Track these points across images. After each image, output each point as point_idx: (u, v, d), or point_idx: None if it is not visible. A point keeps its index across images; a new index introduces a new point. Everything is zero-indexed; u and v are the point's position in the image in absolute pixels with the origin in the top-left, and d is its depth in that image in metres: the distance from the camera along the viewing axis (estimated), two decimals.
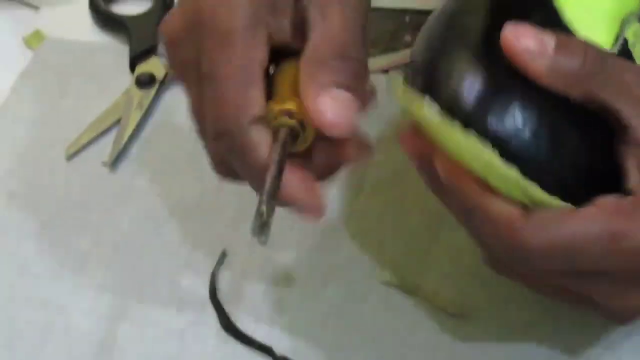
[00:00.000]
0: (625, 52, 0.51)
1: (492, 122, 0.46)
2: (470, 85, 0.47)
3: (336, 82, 0.48)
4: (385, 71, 0.70)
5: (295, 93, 0.50)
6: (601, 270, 0.46)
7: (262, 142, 0.49)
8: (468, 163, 0.46)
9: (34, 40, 0.72)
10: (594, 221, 0.45)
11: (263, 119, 0.49)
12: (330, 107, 0.48)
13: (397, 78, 0.50)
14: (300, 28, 0.50)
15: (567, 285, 0.48)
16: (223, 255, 0.59)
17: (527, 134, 0.47)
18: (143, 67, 0.69)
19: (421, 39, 0.51)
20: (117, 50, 0.71)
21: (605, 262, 0.46)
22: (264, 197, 0.48)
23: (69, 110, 0.67)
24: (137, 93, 0.67)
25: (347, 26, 0.50)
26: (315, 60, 0.49)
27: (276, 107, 0.49)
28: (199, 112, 0.51)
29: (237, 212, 0.61)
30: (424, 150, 0.48)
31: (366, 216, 0.60)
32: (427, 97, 0.47)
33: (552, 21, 0.50)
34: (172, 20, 0.52)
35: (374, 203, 0.61)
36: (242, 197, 0.61)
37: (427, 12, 0.74)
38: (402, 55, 0.71)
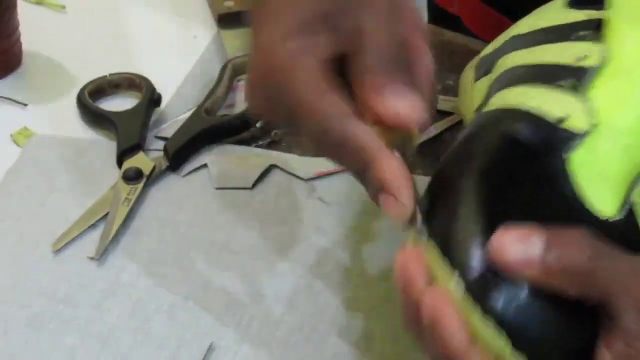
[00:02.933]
0: (630, 215, 0.51)
1: (505, 309, 0.46)
2: (485, 275, 0.47)
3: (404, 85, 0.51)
4: None
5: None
6: None
7: (362, 129, 0.50)
8: (474, 337, 0.46)
9: (22, 136, 0.73)
10: None
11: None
12: (405, 108, 0.50)
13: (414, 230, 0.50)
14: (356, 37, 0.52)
15: None
16: (210, 350, 0.59)
17: (535, 325, 0.46)
18: (130, 162, 0.69)
19: (433, 205, 0.50)
20: (104, 146, 0.71)
21: None
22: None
23: (57, 206, 0.67)
24: (125, 188, 0.68)
25: (410, 30, 0.53)
26: (383, 69, 0.51)
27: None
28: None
29: (224, 307, 0.61)
30: (414, 279, 0.48)
31: (352, 311, 0.60)
32: (456, 275, 0.47)
33: (563, 189, 0.50)
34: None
35: (360, 299, 0.61)
36: (229, 293, 0.61)
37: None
38: None
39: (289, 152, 0.70)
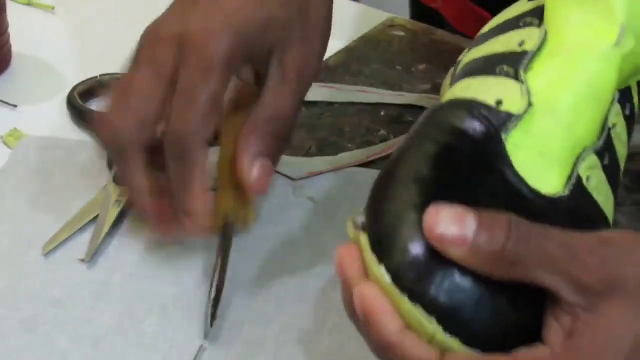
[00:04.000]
0: (578, 190, 0.52)
1: (434, 294, 0.47)
2: (413, 259, 0.47)
3: (265, 153, 0.60)
4: (361, 165, 0.71)
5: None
6: None
7: (204, 164, 0.59)
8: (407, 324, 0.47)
9: (12, 138, 0.73)
10: None
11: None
12: (258, 174, 0.60)
13: (350, 219, 0.51)
14: (260, 83, 0.61)
15: None
16: (201, 351, 0.59)
17: (468, 306, 0.47)
18: None
19: (372, 195, 0.51)
20: (95, 147, 0.72)
21: None
22: (213, 290, 0.60)
23: (48, 207, 0.67)
24: (115, 189, 0.68)
25: (291, 106, 0.61)
26: (255, 129, 0.61)
27: (221, 201, 0.63)
28: (151, 112, 0.60)
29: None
30: (349, 271, 0.49)
31: (343, 311, 0.60)
32: (382, 266, 0.48)
33: (502, 170, 0.51)
34: (164, 24, 0.62)
35: None
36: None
37: (401, 106, 0.77)
38: (378, 149, 0.72)
39: None
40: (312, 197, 0.68)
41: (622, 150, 0.57)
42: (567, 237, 0.47)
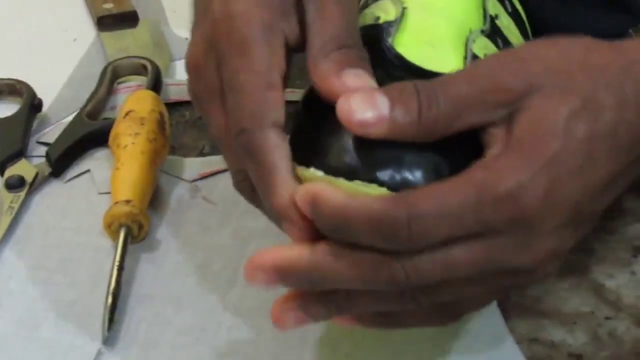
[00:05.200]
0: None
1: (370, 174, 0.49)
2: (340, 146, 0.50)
3: (346, 65, 0.51)
4: None
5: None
6: (490, 229, 0.47)
7: (278, 145, 0.50)
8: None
9: None
10: (460, 183, 0.47)
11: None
12: (348, 82, 0.50)
13: None
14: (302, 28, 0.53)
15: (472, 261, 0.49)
16: (99, 355, 0.59)
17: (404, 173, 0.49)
18: (12, 170, 0.69)
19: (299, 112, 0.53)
20: None
21: (486, 217, 0.47)
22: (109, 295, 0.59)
23: None
24: (7, 196, 0.67)
25: (344, 19, 0.52)
26: (320, 54, 0.51)
27: (115, 209, 0.63)
28: (222, 127, 0.53)
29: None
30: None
31: (241, 309, 0.61)
32: (312, 168, 0.50)
33: (399, 68, 0.53)
34: (194, 46, 0.54)
35: (248, 296, 0.62)
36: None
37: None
38: None
39: (172, 154, 0.71)
40: (207, 197, 0.68)
41: (515, 43, 0.60)
42: (468, 71, 0.50)
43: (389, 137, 0.48)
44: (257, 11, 0.52)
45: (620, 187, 0.52)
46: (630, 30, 0.56)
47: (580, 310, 0.59)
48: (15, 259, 0.64)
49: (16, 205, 0.67)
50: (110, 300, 0.60)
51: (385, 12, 0.56)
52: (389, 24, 0.55)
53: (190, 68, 0.55)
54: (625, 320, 0.58)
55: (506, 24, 0.59)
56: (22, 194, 0.68)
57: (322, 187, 0.48)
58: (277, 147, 0.50)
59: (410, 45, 0.54)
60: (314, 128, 0.52)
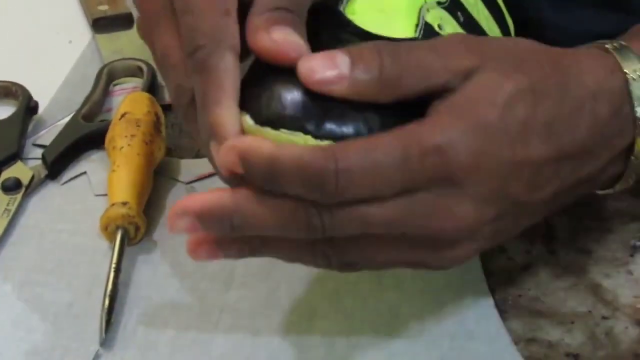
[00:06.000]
0: (431, 35, 0.55)
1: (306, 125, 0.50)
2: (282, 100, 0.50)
3: (281, 24, 0.51)
4: None
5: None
6: (415, 186, 0.48)
7: (232, 69, 0.51)
8: None
9: None
10: (389, 137, 0.48)
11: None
12: (278, 36, 0.50)
13: None
14: None
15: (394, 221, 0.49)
16: (96, 357, 0.59)
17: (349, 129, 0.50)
18: (8, 172, 0.69)
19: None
20: None
21: (411, 173, 0.48)
22: (106, 297, 0.59)
23: None
24: (4, 198, 0.67)
25: None
26: (257, 10, 0.51)
27: (112, 211, 0.63)
28: (170, 47, 0.53)
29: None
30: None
31: (238, 311, 0.61)
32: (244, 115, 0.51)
33: (349, 33, 0.53)
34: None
35: (245, 297, 0.62)
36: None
37: None
38: None
39: (168, 156, 0.71)
40: None
41: (489, 26, 0.60)
42: (430, 41, 0.51)
43: (350, 95, 0.49)
44: None
45: (565, 193, 0.53)
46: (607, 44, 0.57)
47: (577, 310, 0.59)
48: (11, 261, 0.64)
49: (12, 208, 0.67)
50: (107, 302, 0.60)
51: None
52: None
53: None
54: (622, 320, 0.59)
55: (472, 1, 0.59)
56: (19, 196, 0.68)
57: (251, 139, 0.49)
58: (231, 70, 0.51)
59: (362, 12, 0.54)
60: (252, 77, 0.52)
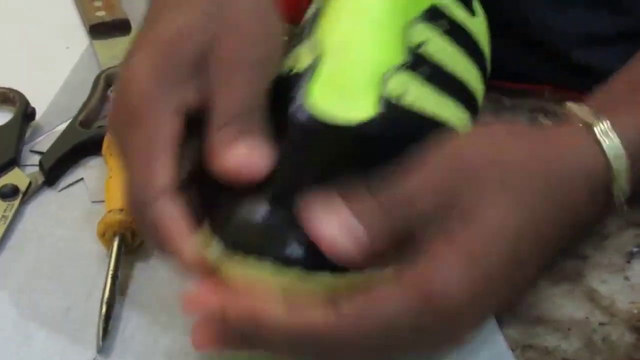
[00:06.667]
0: (390, 108, 0.54)
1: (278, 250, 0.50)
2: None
3: (241, 138, 0.51)
4: None
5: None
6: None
7: (167, 215, 0.51)
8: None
9: None
10: (393, 291, 0.48)
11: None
12: (239, 155, 0.51)
13: None
14: (208, 93, 0.53)
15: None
16: None
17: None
18: (6, 179, 0.69)
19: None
20: None
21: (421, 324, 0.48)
22: (104, 305, 0.59)
23: None
24: (1, 205, 0.67)
25: (249, 88, 0.53)
26: (215, 126, 0.52)
27: (109, 217, 0.62)
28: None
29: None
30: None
31: None
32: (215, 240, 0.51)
33: (307, 126, 0.53)
34: (111, 107, 0.55)
35: None
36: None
37: None
38: None
39: None
40: None
41: (462, 66, 0.60)
42: (419, 176, 0.50)
43: (363, 258, 0.49)
44: (150, 76, 0.52)
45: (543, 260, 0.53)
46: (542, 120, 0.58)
47: (574, 316, 0.59)
48: (8, 267, 0.64)
49: (10, 214, 0.67)
50: (104, 309, 0.60)
51: (298, 61, 0.56)
52: (299, 76, 0.55)
53: (109, 125, 0.57)
54: (619, 326, 0.59)
55: (439, 47, 0.58)
56: (16, 202, 0.68)
57: (261, 305, 0.49)
58: (169, 214, 0.51)
59: (321, 96, 0.54)
60: (218, 199, 0.52)
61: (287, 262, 0.50)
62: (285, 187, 0.51)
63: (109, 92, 0.77)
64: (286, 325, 0.48)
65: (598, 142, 0.53)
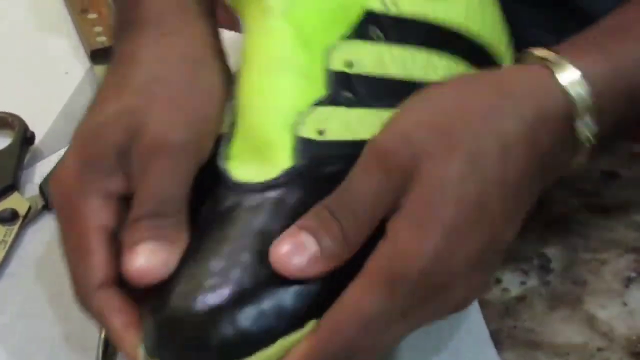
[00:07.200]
0: (310, 150, 0.53)
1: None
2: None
3: (147, 238, 0.51)
4: None
5: None
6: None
7: (106, 309, 0.52)
8: None
9: None
10: (369, 286, 0.49)
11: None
12: (139, 261, 0.51)
13: None
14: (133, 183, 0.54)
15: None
16: None
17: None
18: (5, 204, 0.69)
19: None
20: None
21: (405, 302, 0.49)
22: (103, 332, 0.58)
23: None
24: (1, 229, 0.67)
25: (169, 179, 0.53)
26: (132, 218, 0.52)
27: None
28: None
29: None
30: None
31: None
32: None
33: (230, 188, 0.53)
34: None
35: None
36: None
37: None
38: None
39: None
40: None
41: (395, 68, 0.57)
42: (361, 168, 0.50)
43: (326, 270, 0.50)
44: (75, 169, 0.54)
45: (526, 203, 0.53)
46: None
47: (572, 341, 0.59)
48: (8, 292, 0.64)
49: (9, 239, 0.67)
50: (104, 333, 0.60)
51: (225, 120, 0.56)
52: (221, 138, 0.55)
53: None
54: (617, 351, 0.59)
55: (374, 57, 0.56)
56: (16, 227, 0.68)
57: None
58: (107, 308, 0.53)
59: (238, 156, 0.54)
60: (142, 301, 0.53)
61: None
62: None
63: None
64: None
65: (558, 83, 0.52)
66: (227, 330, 0.48)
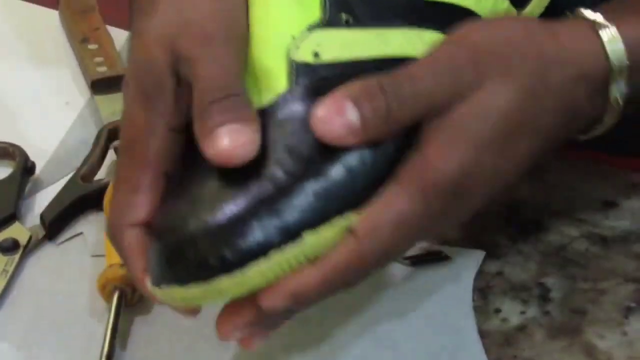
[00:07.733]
0: (306, 72, 0.53)
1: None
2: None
3: (225, 121, 0.50)
4: None
5: None
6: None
7: (131, 244, 0.53)
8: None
9: None
10: (403, 191, 0.50)
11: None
12: (224, 142, 0.50)
13: None
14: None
15: None
16: None
17: None
18: (6, 233, 0.69)
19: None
20: None
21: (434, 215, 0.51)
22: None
23: None
24: (2, 259, 0.67)
25: (225, 65, 0.52)
26: (200, 108, 0.51)
27: (110, 272, 0.63)
28: None
29: None
30: None
31: None
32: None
33: None
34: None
35: (241, 358, 0.62)
36: None
37: None
38: None
39: None
40: None
41: None
42: (429, 64, 0.52)
43: (362, 142, 0.50)
44: (139, 115, 0.54)
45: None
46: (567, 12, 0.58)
47: None
48: (8, 322, 0.64)
49: (10, 269, 0.67)
50: None
51: None
52: None
53: None
54: None
55: None
56: (16, 257, 0.68)
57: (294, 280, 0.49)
58: (131, 245, 0.53)
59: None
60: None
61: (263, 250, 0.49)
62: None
63: (111, 146, 0.77)
64: (321, 279, 0.49)
65: (602, 44, 0.55)
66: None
